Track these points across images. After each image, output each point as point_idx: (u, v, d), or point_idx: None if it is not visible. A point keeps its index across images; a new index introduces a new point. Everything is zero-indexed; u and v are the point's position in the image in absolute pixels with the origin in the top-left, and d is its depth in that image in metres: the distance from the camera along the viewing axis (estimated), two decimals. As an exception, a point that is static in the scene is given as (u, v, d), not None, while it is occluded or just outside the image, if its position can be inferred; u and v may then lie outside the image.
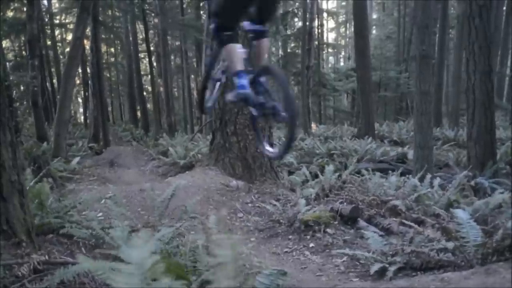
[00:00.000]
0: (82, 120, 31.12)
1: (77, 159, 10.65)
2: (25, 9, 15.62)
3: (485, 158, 8.11)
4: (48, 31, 26.34)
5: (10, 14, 22.35)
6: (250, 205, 6.07)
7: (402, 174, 7.43)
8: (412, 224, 3.92)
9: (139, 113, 29.55)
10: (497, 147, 8.88)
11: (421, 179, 6.24)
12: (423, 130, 8.20)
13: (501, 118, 18.65)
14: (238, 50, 3.07)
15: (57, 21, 29.55)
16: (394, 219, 4.79)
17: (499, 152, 9.01)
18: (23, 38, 22.68)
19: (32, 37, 12.11)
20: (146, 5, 23.91)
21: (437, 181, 6.05)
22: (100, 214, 4.34)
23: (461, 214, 3.40)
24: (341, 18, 46.06)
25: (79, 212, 4.04)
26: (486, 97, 8.06)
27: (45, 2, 27.35)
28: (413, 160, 8.71)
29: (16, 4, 21.59)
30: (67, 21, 29.84)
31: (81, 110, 36.77)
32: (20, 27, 19.61)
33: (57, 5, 30.77)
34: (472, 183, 7.45)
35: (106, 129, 18.11)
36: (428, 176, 6.21)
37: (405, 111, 30.03)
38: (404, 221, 4.31)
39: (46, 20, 25.69)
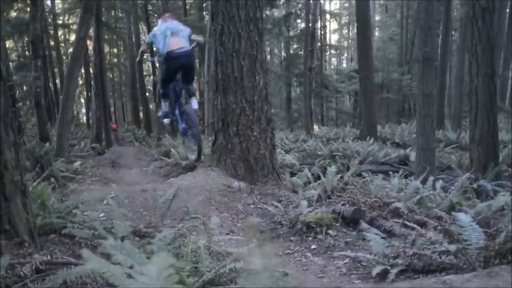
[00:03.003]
0: (85, 120, 31.20)
1: (79, 159, 10.68)
2: (28, 9, 15.68)
3: (488, 160, 8.10)
4: (51, 32, 26.44)
5: (13, 14, 22.42)
6: (252, 206, 6.06)
7: (404, 176, 7.41)
8: (414, 226, 3.91)
9: (141, 114, 29.60)
10: (500, 150, 8.87)
11: (423, 181, 6.22)
12: (426, 132, 8.19)
13: (504, 121, 18.61)
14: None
15: (60, 22, 29.65)
16: (396, 221, 4.78)
17: (501, 154, 8.99)
18: (26, 39, 22.75)
19: (35, 38, 12.15)
20: (149, 6, 23.98)
21: (439, 184, 6.04)
22: (102, 214, 4.35)
23: (463, 216, 3.40)
24: (344, 20, 46.12)
25: (81, 212, 4.05)
26: (489, 100, 8.04)
27: (49, 3, 27.47)
28: (415, 162, 8.70)
29: (19, 5, 21.69)
30: (70, 21, 29.96)
31: (83, 110, 36.85)
32: (23, 28, 19.70)
33: (60, 5, 30.88)
34: (475, 185, 7.44)
35: (109, 130, 18.16)
36: (431, 178, 6.20)
37: (408, 113, 30.05)
38: (406, 223, 4.30)
39: (50, 20, 25.79)
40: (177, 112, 5.84)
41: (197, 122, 5.24)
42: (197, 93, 30.93)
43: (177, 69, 5.89)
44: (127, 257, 2.53)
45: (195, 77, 31.89)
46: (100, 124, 17.84)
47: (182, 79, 6.04)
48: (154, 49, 5.70)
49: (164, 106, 6.23)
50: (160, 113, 6.00)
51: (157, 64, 5.69)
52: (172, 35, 5.89)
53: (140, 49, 6.79)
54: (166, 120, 6.28)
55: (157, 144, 17.59)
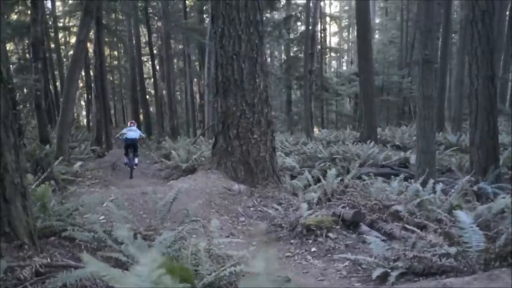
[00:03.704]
0: (85, 123, 31.20)
1: (79, 162, 10.68)
2: (29, 12, 15.69)
3: (488, 163, 8.08)
4: (52, 34, 26.43)
5: (14, 17, 22.44)
6: (252, 209, 6.06)
7: (404, 179, 7.40)
8: (415, 229, 3.91)
9: (141, 116, 29.59)
10: (500, 152, 8.85)
11: (424, 184, 6.22)
12: (426, 135, 8.18)
13: (504, 123, 18.59)
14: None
15: (61, 24, 29.68)
16: (396, 224, 4.79)
17: (501, 157, 8.98)
18: (27, 41, 22.76)
19: (36, 40, 12.16)
20: (150, 9, 24.00)
21: (439, 186, 6.03)
22: (102, 217, 4.35)
23: (464, 218, 3.39)
24: (344, 23, 46.15)
25: (81, 215, 4.04)
26: (489, 102, 8.04)
27: (49, 5, 27.45)
28: (416, 165, 8.69)
29: (20, 7, 21.68)
30: (70, 24, 29.99)
31: (84, 113, 36.85)
32: (24, 30, 19.71)
33: (61, 8, 30.92)
34: (475, 188, 7.43)
35: (109, 132, 18.16)
36: (431, 181, 6.20)
37: (408, 116, 30.03)
38: (406, 226, 4.30)
39: (50, 23, 25.78)
40: (129, 159, 11.39)
41: (134, 162, 11.50)
42: (197, 96, 31.00)
43: (130, 145, 11.34)
44: (138, 250, 2.53)
45: (196, 80, 31.71)
46: (101, 127, 17.84)
47: (131, 150, 11.46)
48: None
49: (125, 158, 11.61)
50: (125, 160, 11.78)
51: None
52: (129, 131, 11.61)
53: (117, 135, 13.38)
54: (126, 160, 11.67)
55: (158, 146, 17.60)
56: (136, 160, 12.06)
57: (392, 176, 7.54)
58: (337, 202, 5.62)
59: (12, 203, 2.73)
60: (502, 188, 7.56)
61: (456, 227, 3.55)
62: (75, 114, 31.28)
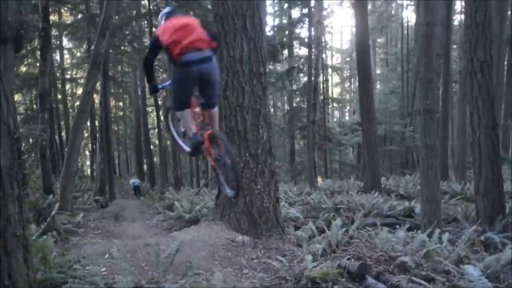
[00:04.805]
0: (89, 172, 31.29)
1: (82, 212, 10.64)
2: (38, 64, 16.12)
3: (494, 211, 8.01)
4: (59, 86, 27.01)
5: (23, 69, 23.08)
6: (256, 261, 5.96)
7: (409, 229, 7.29)
8: (422, 282, 3.83)
9: (145, 167, 29.68)
10: (506, 201, 8.78)
11: (430, 234, 6.12)
12: (430, 184, 8.14)
13: (508, 172, 18.51)
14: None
15: (68, 76, 30.37)
16: (403, 276, 4.68)
17: (507, 205, 8.89)
18: (34, 92, 23.27)
19: (43, 91, 12.42)
20: (155, 61, 24.59)
21: (446, 236, 5.93)
22: (104, 269, 4.28)
23: (472, 270, 3.33)
24: (346, 73, 47.05)
25: (83, 267, 3.98)
26: (492, 151, 8.06)
27: (58, 58, 28.24)
28: (421, 214, 8.60)
29: (29, 60, 22.32)
30: (78, 76, 30.68)
31: (88, 162, 37.06)
32: (32, 82, 20.20)
33: (69, 60, 31.76)
34: (482, 238, 7.32)
35: (112, 182, 18.19)
36: (437, 231, 6.10)
37: (411, 165, 30.03)
38: (413, 278, 4.20)
39: (58, 75, 26.41)
40: (136, 195, 15.69)
41: (139, 196, 18.77)
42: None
43: (135, 188, 20.58)
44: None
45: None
46: (104, 177, 17.89)
47: (138, 191, 17.02)
48: None
49: (135, 194, 15.89)
50: (135, 194, 15.69)
51: None
52: (134, 182, 16.02)
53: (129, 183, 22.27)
54: (135, 194, 17.33)
55: (161, 197, 17.55)
56: (140, 195, 20.87)
57: (398, 226, 7.44)
58: (342, 254, 5.52)
59: (13, 255, 2.70)
60: (509, 237, 7.44)
61: (465, 279, 3.47)
62: (79, 164, 31.43)
